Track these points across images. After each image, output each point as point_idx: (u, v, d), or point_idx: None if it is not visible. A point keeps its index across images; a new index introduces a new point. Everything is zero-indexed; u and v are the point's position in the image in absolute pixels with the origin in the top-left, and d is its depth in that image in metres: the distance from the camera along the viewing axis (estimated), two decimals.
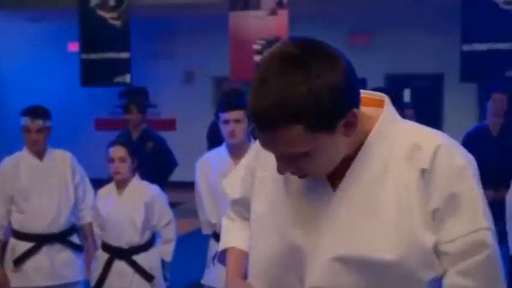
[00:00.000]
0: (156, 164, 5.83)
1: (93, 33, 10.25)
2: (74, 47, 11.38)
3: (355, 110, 1.45)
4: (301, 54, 1.41)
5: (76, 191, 4.28)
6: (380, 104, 1.62)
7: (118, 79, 10.19)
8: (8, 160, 4.26)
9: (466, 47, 8.36)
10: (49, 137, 4.25)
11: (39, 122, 4.13)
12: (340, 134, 1.45)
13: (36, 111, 4.18)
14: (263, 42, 9.43)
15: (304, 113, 1.37)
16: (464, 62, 8.36)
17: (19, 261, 4.12)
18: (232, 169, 3.64)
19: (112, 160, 3.93)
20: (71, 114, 12.83)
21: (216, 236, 3.76)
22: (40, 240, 4.14)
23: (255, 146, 1.72)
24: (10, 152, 4.36)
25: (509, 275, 4.26)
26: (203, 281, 3.87)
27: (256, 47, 9.44)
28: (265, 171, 1.67)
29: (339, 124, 1.44)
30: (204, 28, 11.75)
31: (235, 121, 3.70)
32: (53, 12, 11.18)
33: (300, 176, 1.52)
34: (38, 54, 13.35)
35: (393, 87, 11.71)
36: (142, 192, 4.00)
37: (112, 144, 3.99)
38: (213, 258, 3.77)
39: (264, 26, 9.46)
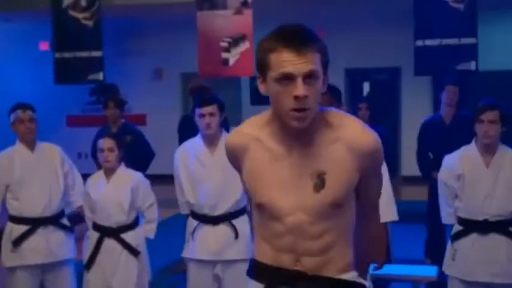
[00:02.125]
0: (135, 155, 6.31)
1: (66, 32, 10.57)
2: (45, 45, 11.72)
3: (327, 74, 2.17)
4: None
5: (65, 179, 4.78)
6: None
7: (92, 77, 10.53)
8: (3, 153, 4.73)
9: (419, 43, 8.86)
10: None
11: (30, 113, 4.64)
12: (321, 84, 2.14)
13: (25, 104, 4.70)
14: (229, 39, 9.85)
15: (323, 49, 2.15)
16: (417, 56, 8.79)
17: (17, 242, 4.59)
18: (207, 156, 4.19)
19: (101, 150, 4.44)
20: (43, 111, 13.09)
21: (194, 214, 4.32)
22: (35, 223, 4.62)
23: None
24: None
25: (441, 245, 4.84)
26: (183, 254, 4.39)
27: (223, 44, 9.87)
28: None
29: (325, 76, 2.16)
30: (172, 27, 12.17)
31: (210, 115, 4.23)
32: (25, 12, 11.48)
33: (302, 110, 2.09)
34: (10, 53, 13.62)
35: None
36: (128, 178, 4.51)
37: (101, 136, 4.50)
38: (192, 232, 4.32)
39: (230, 24, 9.88)
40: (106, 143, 4.44)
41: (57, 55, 10.73)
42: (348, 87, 12.55)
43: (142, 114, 12.96)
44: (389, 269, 5.60)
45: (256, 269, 2.37)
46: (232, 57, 9.88)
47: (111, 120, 6.85)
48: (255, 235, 2.39)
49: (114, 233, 4.45)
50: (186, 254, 4.36)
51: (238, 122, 9.28)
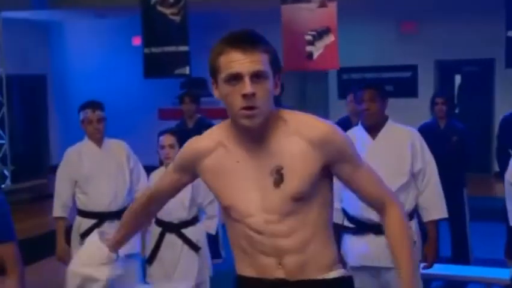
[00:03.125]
0: None
1: (154, 28, 10.83)
2: (137, 41, 12.01)
3: (280, 77, 2.22)
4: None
5: (131, 174, 4.89)
6: None
7: (178, 71, 10.73)
8: (72, 149, 4.88)
9: (511, 33, 8.51)
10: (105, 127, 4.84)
11: (99, 113, 4.74)
12: (273, 84, 2.19)
13: (95, 104, 4.77)
14: (314, 33, 9.79)
15: (271, 51, 2.19)
16: (509, 48, 8.50)
17: (85, 235, 4.72)
18: None
19: (162, 147, 4.50)
20: (136, 104, 13.52)
21: None
22: (102, 218, 4.74)
23: None
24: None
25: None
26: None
27: (307, 37, 9.82)
28: None
29: (276, 77, 2.20)
30: (256, 21, 12.16)
31: None
32: (118, 8, 11.80)
33: (251, 108, 2.12)
34: (105, 49, 14.04)
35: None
36: None
37: (162, 133, 4.56)
38: None
39: (314, 17, 9.82)
40: (166, 139, 4.50)
41: (146, 50, 10.98)
42: (439, 80, 12.24)
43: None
44: (462, 271, 5.46)
45: (239, 286, 2.38)
46: (317, 50, 9.82)
47: (187, 115, 6.95)
48: (232, 250, 2.40)
49: (175, 228, 4.53)
50: None
51: (325, 116, 9.28)
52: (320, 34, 9.79)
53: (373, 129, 4.01)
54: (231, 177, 2.26)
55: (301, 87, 13.32)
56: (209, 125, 7.08)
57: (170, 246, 4.53)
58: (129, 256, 4.79)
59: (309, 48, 9.78)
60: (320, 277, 2.25)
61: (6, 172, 11.72)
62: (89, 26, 13.99)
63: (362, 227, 3.92)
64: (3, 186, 11.52)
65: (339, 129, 2.27)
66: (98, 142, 4.80)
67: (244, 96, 2.11)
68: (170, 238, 4.53)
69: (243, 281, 2.35)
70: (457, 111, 12.75)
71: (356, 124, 6.55)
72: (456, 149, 6.01)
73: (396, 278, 3.87)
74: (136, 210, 2.67)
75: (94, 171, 4.74)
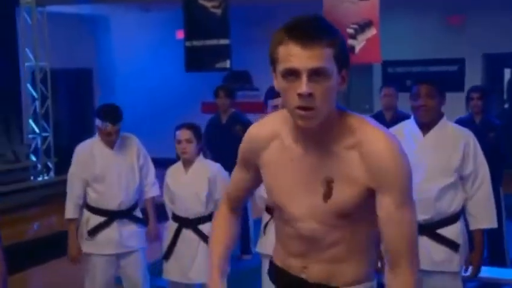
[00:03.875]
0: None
1: (196, 21, 10.82)
2: (181, 34, 12.03)
3: (347, 70, 1.98)
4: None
5: (140, 171, 4.83)
6: None
7: (219, 65, 10.70)
8: (83, 148, 4.78)
9: None
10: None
11: (119, 125, 4.65)
12: (338, 80, 1.95)
13: (116, 116, 4.62)
14: (356, 26, 9.63)
15: (337, 44, 1.92)
16: None
17: (92, 232, 4.71)
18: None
19: (179, 142, 4.42)
20: (180, 98, 13.55)
21: (267, 209, 4.20)
22: (111, 216, 4.71)
23: None
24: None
25: None
26: (257, 249, 4.30)
27: (349, 31, 9.66)
28: None
29: (342, 71, 1.96)
30: (297, 14, 12.07)
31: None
32: (162, 2, 11.83)
33: (307, 109, 1.92)
34: (150, 42, 14.12)
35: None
36: (206, 170, 4.46)
37: (179, 127, 4.48)
38: (264, 227, 4.22)
39: (356, 10, 9.66)
40: (183, 133, 4.42)
41: (188, 43, 10.98)
42: (487, 74, 11.90)
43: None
44: (498, 273, 5.29)
45: (270, 270, 2.38)
46: (358, 44, 9.66)
47: (221, 110, 6.89)
48: (275, 234, 2.35)
49: (192, 224, 4.45)
50: (260, 248, 4.27)
51: (369, 110, 9.16)
52: (362, 27, 9.63)
53: (426, 126, 3.83)
54: (284, 177, 2.13)
55: None
56: (243, 121, 7.05)
57: (187, 242, 4.45)
58: (133, 251, 4.79)
59: (350, 41, 9.61)
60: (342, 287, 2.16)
61: (50, 164, 11.88)
62: (134, 20, 14.07)
63: None
64: (46, 178, 11.70)
65: (402, 157, 1.99)
66: (111, 145, 4.76)
67: (300, 95, 1.89)
68: (187, 234, 4.46)
69: (273, 266, 2.35)
70: (506, 106, 12.40)
71: (391, 119, 6.47)
72: (492, 145, 5.78)
73: (436, 282, 3.78)
74: (223, 224, 2.48)
75: (105, 172, 4.68)
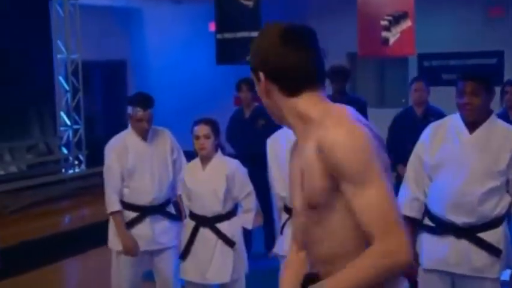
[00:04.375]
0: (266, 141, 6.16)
1: (227, 13, 10.71)
2: (214, 27, 11.93)
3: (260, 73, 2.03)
4: None
5: (173, 165, 4.72)
6: None
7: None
8: (117, 141, 4.68)
9: None
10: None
11: (150, 111, 4.55)
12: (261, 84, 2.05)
13: (147, 102, 4.55)
14: (390, 18, 9.43)
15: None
16: None
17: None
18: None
19: (197, 137, 4.29)
20: (213, 91, 13.44)
21: (286, 208, 4.04)
22: (143, 211, 4.60)
23: None
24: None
25: None
26: (275, 250, 4.16)
27: (383, 23, 9.45)
28: None
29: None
30: (331, 6, 11.88)
31: None
32: None
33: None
34: (183, 34, 14.03)
35: None
36: (224, 166, 4.33)
37: (197, 122, 4.35)
38: (282, 227, 4.07)
39: (391, 1, 9.45)
40: (201, 129, 4.29)
41: (219, 36, 10.88)
42: None
43: None
44: None
45: None
46: (393, 36, 9.46)
47: (244, 104, 6.75)
48: None
49: (209, 222, 4.31)
50: (277, 250, 4.13)
51: (405, 104, 8.84)
52: (397, 19, 9.42)
53: (472, 124, 3.56)
54: (290, 172, 2.18)
55: (379, 73, 12.90)
56: (267, 115, 6.86)
57: (204, 241, 4.32)
58: (166, 249, 4.67)
59: (384, 33, 9.44)
60: None
61: (81, 157, 11.89)
62: (167, 12, 13.99)
63: (443, 228, 3.56)
64: (77, 170, 11.72)
65: (349, 139, 1.87)
66: (144, 136, 4.65)
67: None
68: (204, 233, 4.32)
69: None
70: None
71: (422, 115, 6.26)
72: None
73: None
74: None
75: (137, 165, 4.58)
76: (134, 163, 4.58)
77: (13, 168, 11.13)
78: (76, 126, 11.80)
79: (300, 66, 1.99)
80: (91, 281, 6.53)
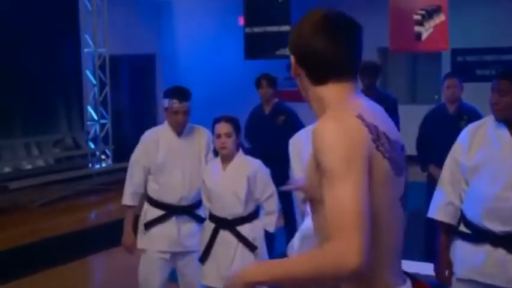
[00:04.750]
0: (286, 137, 6.00)
1: (256, 7, 10.55)
2: (243, 20, 11.78)
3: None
4: None
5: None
6: None
7: (280, 52, 10.40)
8: (150, 134, 4.54)
9: None
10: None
11: (187, 104, 4.38)
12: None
13: (184, 94, 4.40)
14: (423, 12, 9.18)
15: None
16: None
17: (148, 225, 4.44)
18: None
19: (218, 136, 4.11)
20: (241, 85, 13.28)
21: None
22: (170, 211, 4.42)
23: None
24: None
25: None
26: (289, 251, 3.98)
27: (416, 17, 9.21)
28: None
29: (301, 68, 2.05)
30: (363, 1, 11.64)
31: None
32: None
33: None
34: (212, 28, 13.89)
35: None
36: (245, 167, 4.15)
37: (217, 120, 4.17)
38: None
39: None
40: (222, 127, 4.11)
41: (248, 30, 10.72)
42: None
43: None
44: None
45: None
46: (426, 31, 9.21)
47: (264, 100, 6.58)
48: None
49: (229, 224, 4.14)
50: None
51: (438, 101, 8.56)
52: (430, 13, 9.16)
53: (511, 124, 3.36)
54: None
55: (411, 69, 12.65)
56: (287, 111, 6.73)
57: (224, 244, 4.13)
58: (190, 252, 4.51)
59: (417, 28, 9.19)
60: None
61: (108, 152, 11.83)
62: (197, 5, 13.87)
63: (479, 235, 3.35)
64: (104, 165, 11.65)
65: (332, 134, 1.83)
66: (179, 131, 4.49)
67: None
68: (224, 235, 4.15)
69: None
70: None
71: (455, 112, 6.03)
72: None
73: None
74: None
75: (168, 161, 4.41)
76: (165, 158, 4.42)
77: (40, 163, 11.11)
78: (103, 121, 11.74)
79: (327, 55, 1.96)
80: (116, 278, 6.45)
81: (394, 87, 11.69)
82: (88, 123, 11.74)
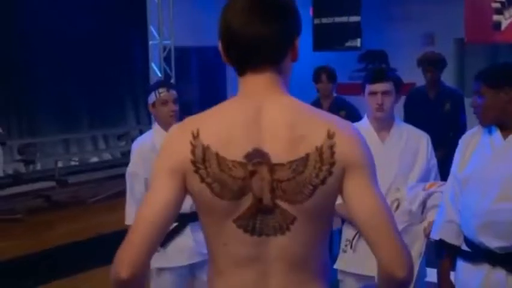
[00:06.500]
0: None
1: None
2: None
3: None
4: None
5: None
6: None
7: (349, 43, 10.08)
8: (141, 143, 4.16)
9: None
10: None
11: (174, 92, 4.10)
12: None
13: (170, 82, 4.18)
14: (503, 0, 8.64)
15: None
16: None
17: (164, 242, 3.97)
18: (377, 145, 3.41)
19: None
20: (310, 78, 12.98)
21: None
22: (183, 220, 3.97)
23: None
24: None
25: None
26: (337, 266, 3.64)
27: (494, 5, 8.67)
28: None
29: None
30: None
31: (383, 93, 3.64)
32: None
33: None
34: None
35: None
36: None
37: None
38: (352, 239, 3.58)
39: None
40: None
41: (316, 21, 10.41)
42: None
43: (412, 83, 12.07)
44: None
45: None
46: (505, 20, 8.65)
47: (323, 95, 6.26)
48: None
49: None
50: (340, 266, 3.61)
51: None
52: (510, 1, 8.59)
53: (503, 126, 3.01)
54: None
55: (491, 61, 11.97)
56: (347, 106, 6.35)
57: None
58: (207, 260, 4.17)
59: (496, 17, 8.65)
60: None
61: None
62: None
63: (478, 253, 3.01)
64: None
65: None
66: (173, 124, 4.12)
67: None
68: None
69: None
70: None
71: None
72: None
73: None
74: None
75: None
76: None
77: (107, 156, 11.09)
78: None
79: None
80: None
81: (472, 81, 11.10)
82: None
